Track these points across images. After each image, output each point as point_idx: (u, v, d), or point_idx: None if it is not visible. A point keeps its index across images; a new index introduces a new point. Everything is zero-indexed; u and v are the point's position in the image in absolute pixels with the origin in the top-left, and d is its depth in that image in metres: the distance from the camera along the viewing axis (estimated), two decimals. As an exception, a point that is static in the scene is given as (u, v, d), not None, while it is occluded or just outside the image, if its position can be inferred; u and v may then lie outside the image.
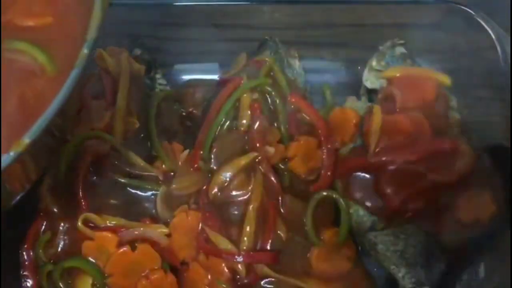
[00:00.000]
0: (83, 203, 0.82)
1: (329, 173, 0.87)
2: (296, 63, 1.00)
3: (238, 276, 0.80)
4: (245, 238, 0.80)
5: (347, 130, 0.90)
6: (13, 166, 0.54)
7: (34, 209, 0.84)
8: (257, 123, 0.87)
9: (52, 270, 0.80)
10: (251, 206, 0.81)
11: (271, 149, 0.86)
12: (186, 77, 1.04)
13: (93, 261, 0.80)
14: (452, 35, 0.97)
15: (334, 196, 0.85)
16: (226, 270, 0.79)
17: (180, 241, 0.82)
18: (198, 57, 1.05)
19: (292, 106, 0.91)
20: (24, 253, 0.82)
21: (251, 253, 0.79)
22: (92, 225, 0.81)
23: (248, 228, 0.80)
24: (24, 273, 0.82)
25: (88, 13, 0.62)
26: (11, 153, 0.53)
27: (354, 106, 0.95)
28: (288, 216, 0.83)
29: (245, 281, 0.80)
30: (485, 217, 0.83)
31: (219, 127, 0.89)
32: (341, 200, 0.85)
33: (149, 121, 0.88)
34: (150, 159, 0.87)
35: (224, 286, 0.79)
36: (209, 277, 0.80)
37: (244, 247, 0.79)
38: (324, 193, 0.85)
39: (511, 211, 0.83)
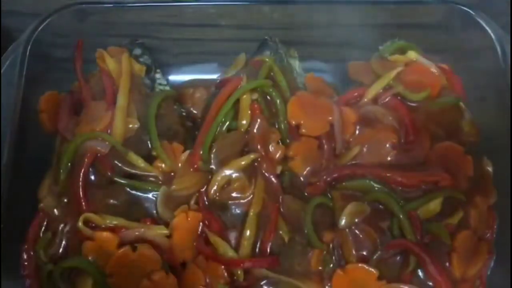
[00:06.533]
0: (83, 203, 0.82)
1: (326, 176, 0.87)
2: (296, 63, 1.00)
3: (236, 278, 0.80)
4: (245, 242, 0.80)
5: (347, 129, 0.90)
6: None
7: (34, 209, 0.84)
8: (257, 124, 0.87)
9: (52, 270, 0.80)
10: (252, 211, 0.81)
11: (272, 149, 0.86)
12: (186, 77, 1.04)
13: (93, 261, 0.80)
14: (452, 35, 0.97)
15: (327, 200, 0.86)
16: (225, 273, 0.79)
17: (180, 242, 0.82)
18: (198, 57, 1.05)
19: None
20: (24, 253, 0.82)
21: (251, 260, 0.79)
22: (92, 225, 0.81)
23: (248, 233, 0.80)
24: (24, 273, 0.82)
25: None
26: None
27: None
28: (289, 217, 0.83)
29: (244, 283, 0.80)
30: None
31: (219, 127, 0.89)
32: (335, 205, 0.85)
33: (149, 121, 0.88)
34: (150, 159, 0.87)
35: (223, 288, 0.80)
36: (208, 279, 0.80)
37: (244, 251, 0.79)
38: (319, 199, 0.85)
39: (511, 210, 0.83)
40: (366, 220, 0.82)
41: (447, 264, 0.81)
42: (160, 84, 0.99)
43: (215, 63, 1.04)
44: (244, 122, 0.88)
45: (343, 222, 0.82)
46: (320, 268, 0.83)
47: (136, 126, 0.86)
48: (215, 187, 0.84)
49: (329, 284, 0.81)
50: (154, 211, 0.85)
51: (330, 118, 0.89)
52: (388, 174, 0.84)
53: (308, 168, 0.87)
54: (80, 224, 0.80)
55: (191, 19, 1.00)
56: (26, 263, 0.82)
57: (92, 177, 0.84)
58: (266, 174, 0.85)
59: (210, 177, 0.85)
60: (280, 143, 0.88)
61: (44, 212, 0.84)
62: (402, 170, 0.85)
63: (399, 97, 0.91)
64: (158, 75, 0.99)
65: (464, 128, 0.91)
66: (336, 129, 0.88)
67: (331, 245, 0.83)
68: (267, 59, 0.94)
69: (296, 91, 0.92)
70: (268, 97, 0.91)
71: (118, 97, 0.87)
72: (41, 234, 0.83)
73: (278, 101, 0.90)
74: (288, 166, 0.87)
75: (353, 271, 0.79)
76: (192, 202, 0.85)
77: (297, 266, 0.82)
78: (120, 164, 0.85)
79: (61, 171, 0.84)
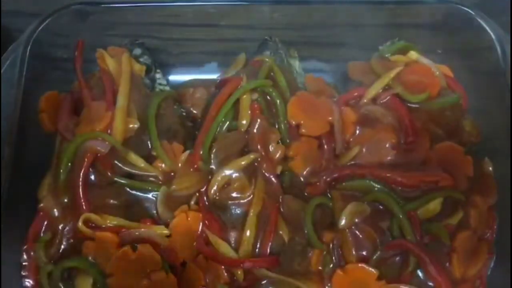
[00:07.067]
0: (83, 203, 0.82)
1: (326, 176, 0.86)
2: (296, 63, 1.00)
3: (236, 278, 0.80)
4: (245, 243, 0.80)
5: (347, 129, 0.90)
6: None
7: (34, 209, 0.84)
8: (257, 124, 0.87)
9: (52, 270, 0.80)
10: (252, 211, 0.81)
11: (272, 149, 0.86)
12: (186, 77, 1.04)
13: (94, 261, 0.80)
14: (452, 35, 0.97)
15: (327, 200, 0.86)
16: (225, 273, 0.80)
17: (180, 242, 0.82)
18: (198, 57, 1.05)
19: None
20: (24, 253, 0.82)
21: (251, 260, 0.79)
22: (92, 225, 0.81)
23: (248, 233, 0.80)
24: (24, 273, 0.82)
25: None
26: None
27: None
28: (289, 217, 0.83)
29: (244, 283, 0.80)
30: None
31: (218, 127, 0.89)
32: (335, 205, 0.85)
33: (149, 121, 0.88)
34: (150, 159, 0.87)
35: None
36: (208, 279, 0.81)
37: (244, 252, 0.79)
38: (319, 199, 0.85)
39: (511, 210, 0.83)
40: (366, 220, 0.82)
41: (447, 264, 0.81)
42: (160, 84, 0.99)
43: (215, 63, 1.04)
44: (244, 122, 0.88)
45: (343, 222, 0.82)
46: (320, 268, 0.83)
47: (136, 126, 0.86)
48: (215, 187, 0.84)
49: (329, 284, 0.81)
50: (154, 211, 0.85)
51: (330, 118, 0.89)
52: (388, 174, 0.84)
53: (308, 168, 0.87)
54: (80, 224, 0.80)
55: (191, 19, 1.00)
56: (26, 263, 0.82)
57: (92, 177, 0.84)
58: (266, 174, 0.85)
59: (210, 177, 0.85)
60: (280, 143, 0.88)
61: (44, 212, 0.84)
62: (402, 170, 0.85)
63: (398, 98, 0.91)
64: (158, 75, 0.99)
65: (466, 128, 0.91)
66: (336, 129, 0.88)
67: (331, 245, 0.83)
68: (267, 59, 0.94)
69: (296, 91, 0.92)
70: (268, 97, 0.91)
71: (118, 97, 0.87)
72: (41, 234, 0.83)
73: (278, 101, 0.90)
74: (288, 166, 0.87)
75: (353, 271, 0.80)
76: (192, 202, 0.85)
77: (297, 266, 0.82)
78: (120, 164, 0.85)
79: (61, 171, 0.84)
